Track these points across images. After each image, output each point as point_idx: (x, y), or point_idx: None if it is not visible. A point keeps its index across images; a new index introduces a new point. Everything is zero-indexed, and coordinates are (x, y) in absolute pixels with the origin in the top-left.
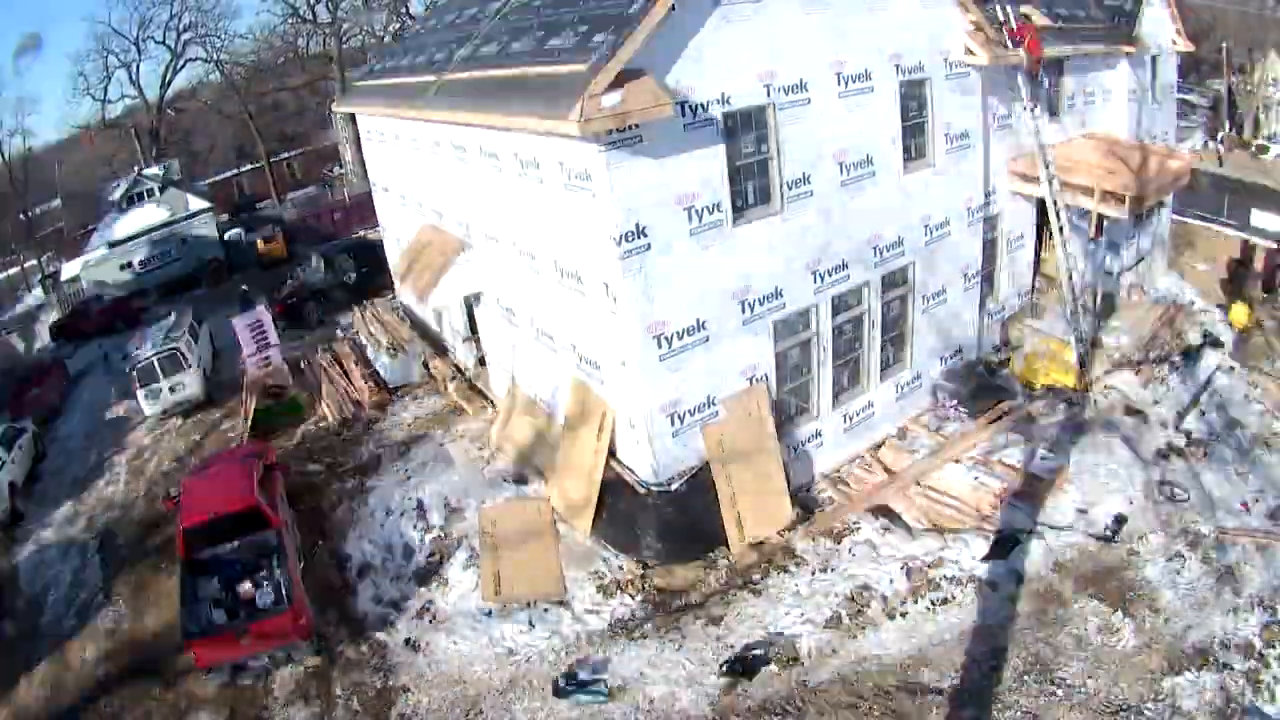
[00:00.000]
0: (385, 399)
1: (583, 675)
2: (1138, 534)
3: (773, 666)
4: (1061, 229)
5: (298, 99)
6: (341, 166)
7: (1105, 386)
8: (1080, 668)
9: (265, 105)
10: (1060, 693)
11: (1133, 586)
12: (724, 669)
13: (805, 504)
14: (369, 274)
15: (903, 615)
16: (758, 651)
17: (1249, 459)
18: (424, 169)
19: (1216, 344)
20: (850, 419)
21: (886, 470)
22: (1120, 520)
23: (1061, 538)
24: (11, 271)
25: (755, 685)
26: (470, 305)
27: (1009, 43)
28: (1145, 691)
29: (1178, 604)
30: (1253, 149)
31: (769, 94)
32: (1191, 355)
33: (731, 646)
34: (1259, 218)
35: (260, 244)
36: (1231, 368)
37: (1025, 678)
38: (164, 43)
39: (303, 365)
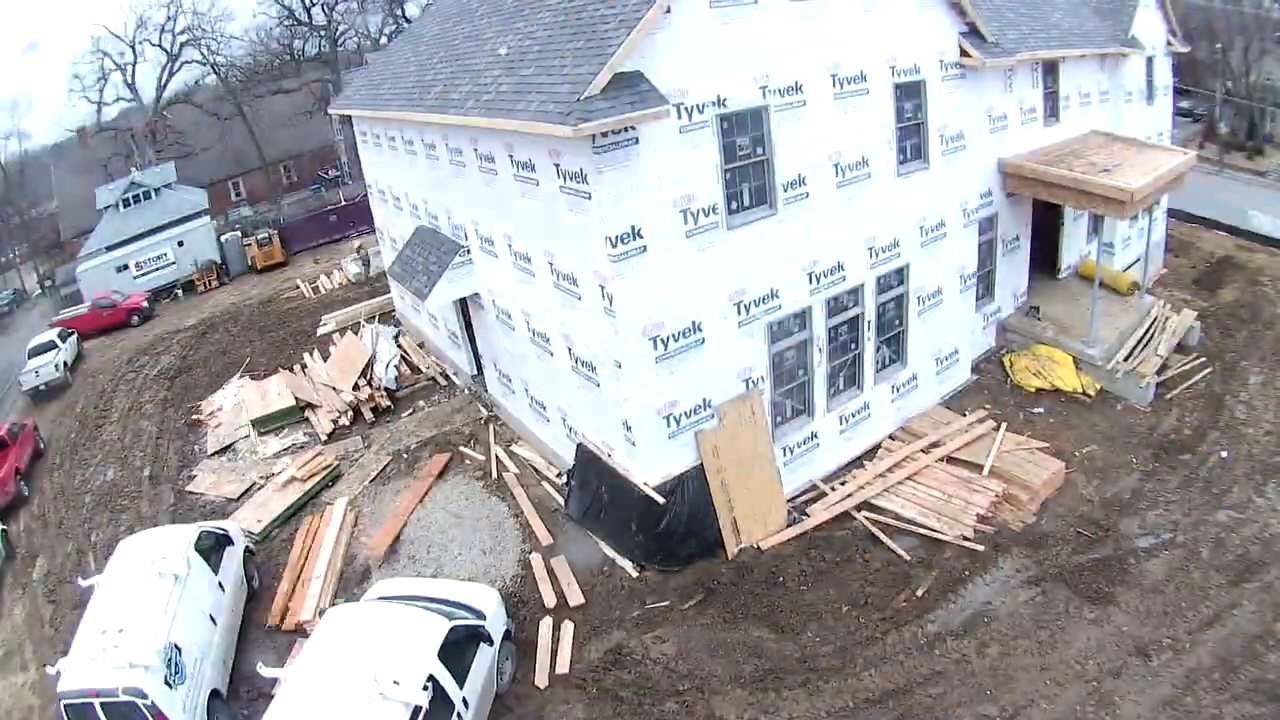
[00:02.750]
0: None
1: None
2: None
3: None
4: (1061, 228)
5: (294, 101)
6: (338, 169)
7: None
8: None
9: (261, 107)
10: None
11: None
12: None
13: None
14: None
15: None
16: None
17: None
18: (420, 171)
19: None
20: (846, 420)
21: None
22: None
23: None
24: (8, 274)
25: None
26: (466, 308)
27: None
28: None
29: None
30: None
31: (764, 96)
32: None
33: None
34: (1255, 219)
35: (256, 248)
36: None
37: None
38: (160, 45)
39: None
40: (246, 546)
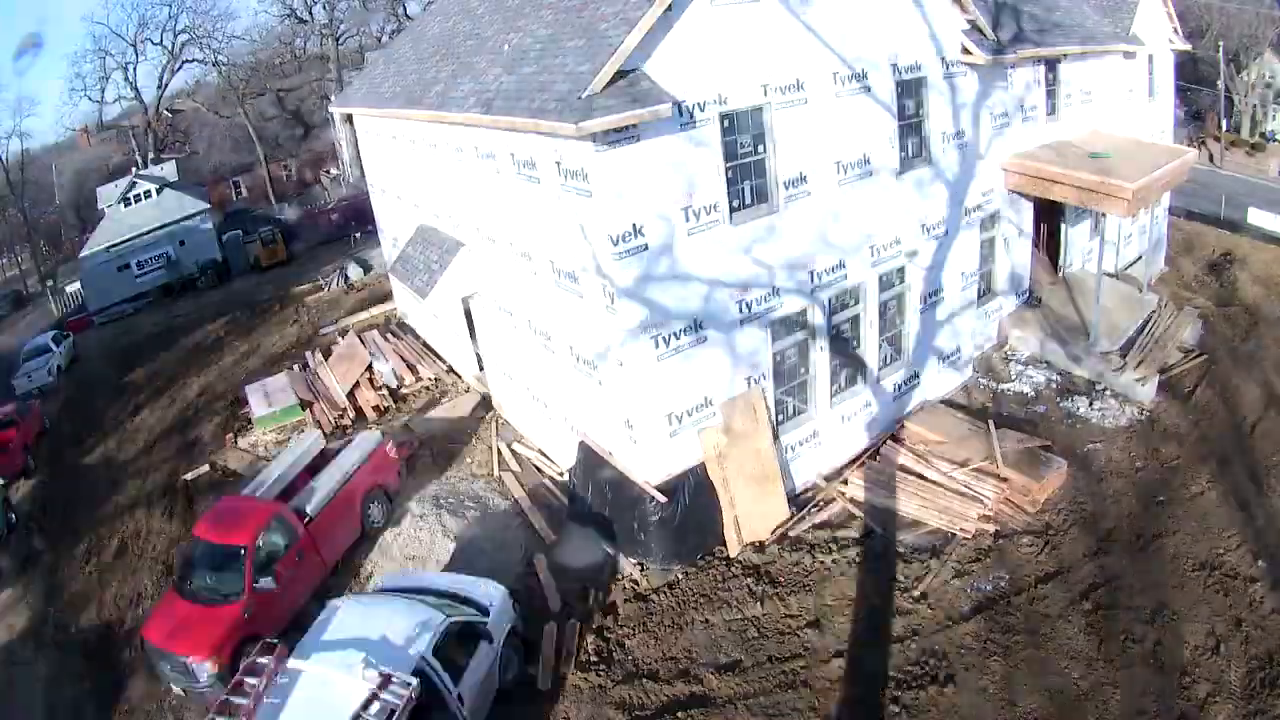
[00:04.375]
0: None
1: None
2: None
3: None
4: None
5: (295, 99)
6: (339, 167)
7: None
8: None
9: (263, 106)
10: None
11: None
12: None
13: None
14: None
15: None
16: None
17: None
18: (421, 169)
19: None
20: (848, 419)
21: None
22: None
23: None
24: (10, 274)
25: None
26: (468, 306)
27: None
28: None
29: None
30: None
31: (765, 94)
32: None
33: None
34: (1256, 216)
35: (261, 246)
36: None
37: None
38: (161, 44)
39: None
40: None
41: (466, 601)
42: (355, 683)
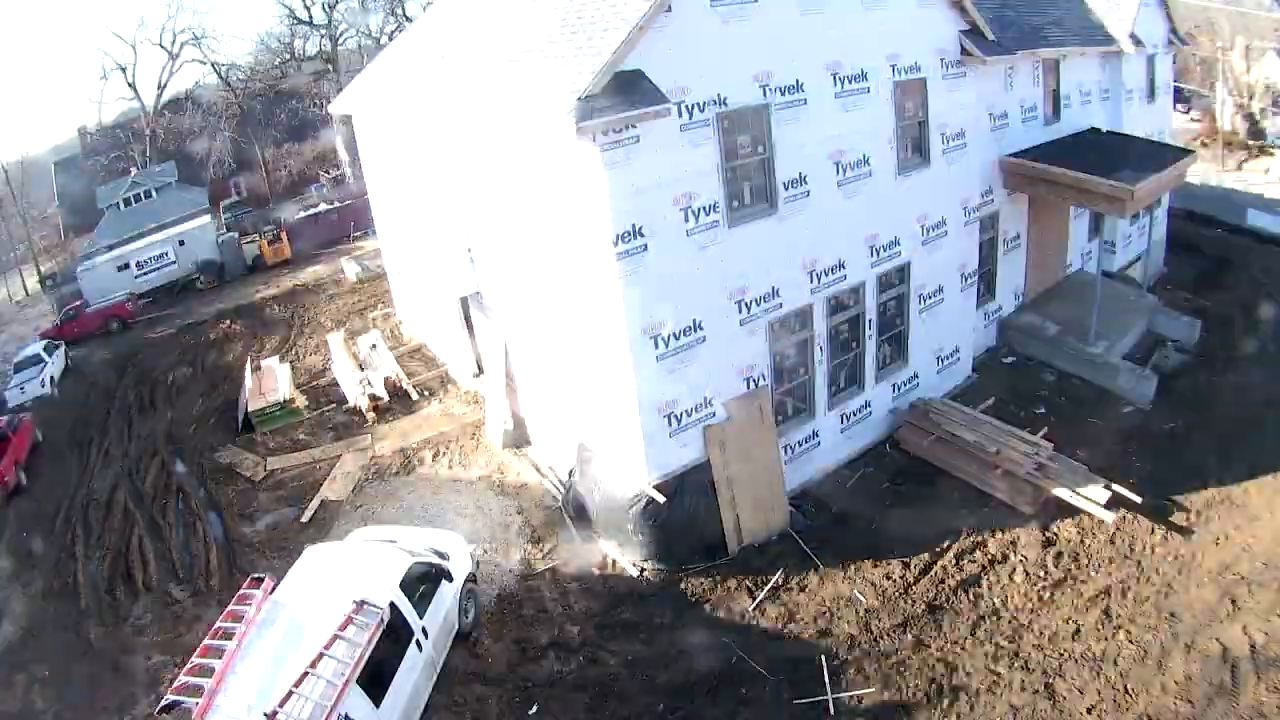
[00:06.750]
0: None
1: None
2: None
3: None
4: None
5: (294, 100)
6: (338, 168)
7: None
8: None
9: (262, 107)
10: None
11: None
12: None
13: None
14: None
15: None
16: None
17: None
18: (420, 170)
19: None
20: (847, 419)
21: None
22: None
23: None
24: (9, 273)
25: None
26: (466, 307)
27: None
28: None
29: None
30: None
31: (765, 94)
32: None
33: None
34: (1255, 217)
35: (265, 245)
36: None
37: None
38: (160, 44)
39: None
40: None
41: (429, 550)
42: (334, 608)
